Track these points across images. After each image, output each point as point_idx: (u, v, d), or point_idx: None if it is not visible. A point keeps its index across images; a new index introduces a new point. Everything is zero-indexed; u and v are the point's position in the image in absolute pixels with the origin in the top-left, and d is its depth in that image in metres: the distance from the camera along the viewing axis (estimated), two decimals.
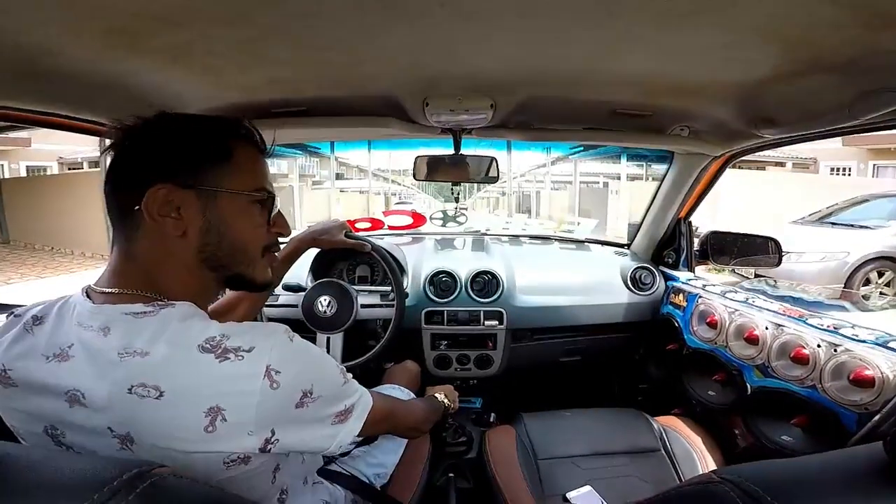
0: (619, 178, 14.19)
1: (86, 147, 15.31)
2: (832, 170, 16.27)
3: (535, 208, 18.63)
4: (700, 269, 2.04)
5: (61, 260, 10.32)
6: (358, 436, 0.76)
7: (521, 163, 16.39)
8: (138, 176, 0.67)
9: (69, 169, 16.28)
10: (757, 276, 6.23)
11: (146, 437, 0.59)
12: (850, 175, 15.46)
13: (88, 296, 0.67)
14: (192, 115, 0.75)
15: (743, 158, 1.70)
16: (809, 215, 7.36)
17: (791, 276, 5.98)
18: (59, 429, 0.63)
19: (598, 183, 17.12)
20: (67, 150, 16.44)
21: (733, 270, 6.54)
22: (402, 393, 1.45)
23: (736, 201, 9.82)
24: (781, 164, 16.51)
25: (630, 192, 12.28)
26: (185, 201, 0.68)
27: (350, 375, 0.77)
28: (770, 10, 0.70)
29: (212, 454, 0.60)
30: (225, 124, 0.74)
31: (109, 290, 0.67)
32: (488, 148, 1.94)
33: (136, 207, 0.66)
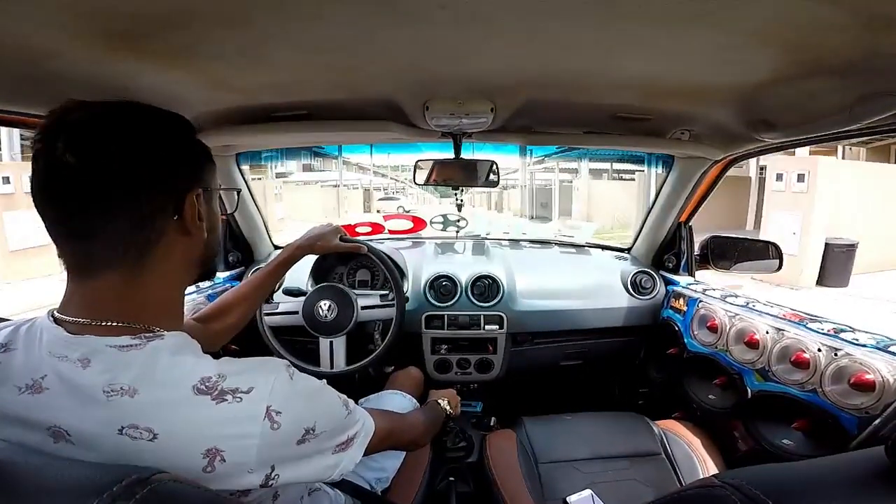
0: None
1: None
2: None
3: (555, 211, 15.93)
4: None
5: None
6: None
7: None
8: (162, 182, 0.63)
9: None
10: None
11: None
12: None
13: (57, 322, 0.61)
14: (156, 109, 0.66)
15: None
16: None
17: None
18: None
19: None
20: None
21: None
22: (404, 398, 1.45)
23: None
24: None
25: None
26: (204, 204, 0.69)
27: (352, 404, 0.76)
28: (770, 12, 0.69)
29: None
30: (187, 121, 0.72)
31: (83, 320, 0.60)
32: (494, 152, 1.94)
33: (175, 217, 0.64)
